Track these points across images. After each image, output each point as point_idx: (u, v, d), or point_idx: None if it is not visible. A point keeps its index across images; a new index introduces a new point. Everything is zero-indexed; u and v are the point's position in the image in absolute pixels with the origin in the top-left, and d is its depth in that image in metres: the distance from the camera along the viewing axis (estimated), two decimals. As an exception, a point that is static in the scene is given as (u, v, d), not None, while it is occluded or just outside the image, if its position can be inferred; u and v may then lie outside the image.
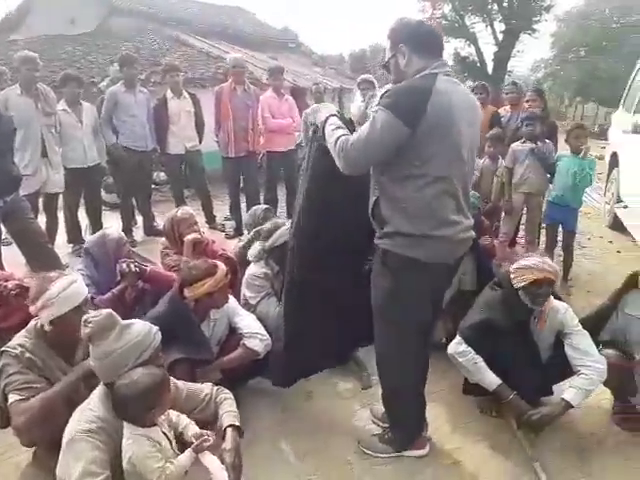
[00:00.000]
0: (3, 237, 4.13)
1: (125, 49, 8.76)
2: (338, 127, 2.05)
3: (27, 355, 2.08)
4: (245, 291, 3.13)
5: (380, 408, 2.58)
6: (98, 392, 1.85)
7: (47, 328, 2.08)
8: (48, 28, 11.98)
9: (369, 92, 5.57)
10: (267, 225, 3.25)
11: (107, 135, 5.18)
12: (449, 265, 2.15)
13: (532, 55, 41.66)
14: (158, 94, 5.85)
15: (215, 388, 2.15)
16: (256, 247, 3.21)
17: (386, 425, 2.55)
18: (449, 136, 1.93)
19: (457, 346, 2.60)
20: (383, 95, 1.97)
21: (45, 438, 2.10)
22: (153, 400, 1.74)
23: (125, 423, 1.74)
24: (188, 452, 1.78)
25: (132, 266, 2.89)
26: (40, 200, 4.71)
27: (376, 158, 1.96)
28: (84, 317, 1.84)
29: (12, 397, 2.00)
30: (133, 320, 1.93)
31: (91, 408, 1.78)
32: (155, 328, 1.90)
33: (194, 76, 8.68)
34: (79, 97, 4.94)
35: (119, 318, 1.87)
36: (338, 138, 1.97)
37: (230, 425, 1.97)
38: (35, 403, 1.99)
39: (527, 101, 4.91)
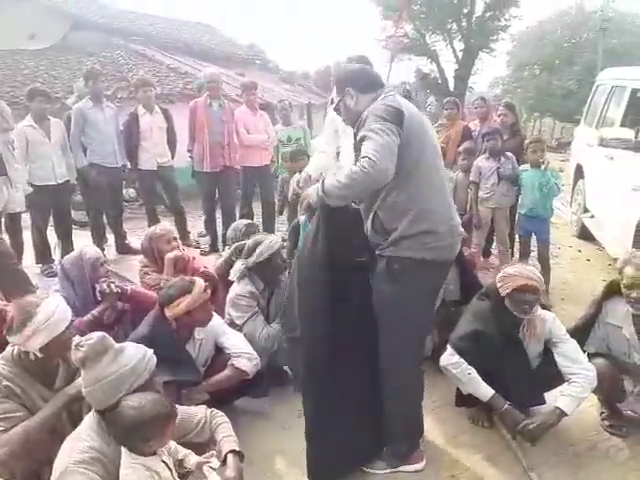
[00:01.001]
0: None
1: (90, 64, 8.59)
2: (334, 176, 2.10)
3: (4, 383, 1.94)
4: (230, 310, 3.04)
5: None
6: (89, 421, 1.74)
7: (38, 355, 1.95)
8: (6, 43, 11.64)
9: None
10: (248, 242, 3.18)
11: (77, 156, 5.03)
12: (449, 263, 2.33)
13: (490, 72, 43.05)
14: (125, 110, 5.74)
15: (209, 411, 2.06)
16: (238, 266, 3.13)
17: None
18: (426, 138, 2.19)
19: (450, 357, 2.60)
20: (358, 126, 2.11)
21: (27, 470, 1.97)
22: (159, 429, 1.65)
23: (124, 451, 1.64)
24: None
25: (112, 286, 2.78)
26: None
27: (393, 155, 1.98)
28: (76, 341, 1.74)
29: None
30: (125, 343, 1.85)
31: (84, 438, 1.67)
32: (150, 351, 1.81)
33: (162, 91, 8.58)
34: (46, 112, 4.78)
35: (112, 341, 1.78)
36: (349, 171, 1.99)
37: (231, 451, 1.89)
38: (16, 434, 1.87)
39: (499, 115, 5.03)
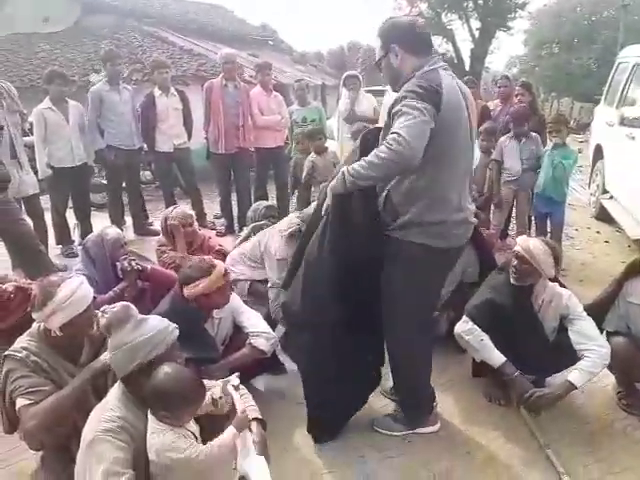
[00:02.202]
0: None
1: (104, 46, 8.60)
2: (361, 159, 2.00)
3: (32, 358, 2.01)
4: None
5: (388, 383, 2.69)
6: (115, 391, 1.79)
7: (59, 333, 2.00)
8: (21, 26, 11.68)
9: (355, 87, 5.58)
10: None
11: (94, 138, 5.07)
12: (460, 249, 2.32)
13: (507, 51, 42.35)
14: (141, 92, 5.75)
15: (229, 383, 2.10)
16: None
17: (396, 399, 2.65)
18: (460, 123, 2.08)
19: (464, 324, 2.66)
20: (396, 100, 2.01)
21: (54, 441, 2.04)
22: (183, 405, 1.69)
23: (150, 417, 1.70)
24: (230, 429, 1.75)
25: (133, 263, 2.83)
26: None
27: (424, 138, 1.90)
28: (102, 308, 1.79)
29: (20, 401, 1.93)
30: (150, 316, 1.88)
31: (111, 408, 1.73)
32: (173, 325, 1.84)
33: (177, 73, 8.55)
34: (65, 95, 4.81)
35: (136, 311, 1.83)
36: (376, 150, 1.93)
37: (255, 418, 1.94)
38: (45, 406, 1.92)
39: (516, 95, 4.96)
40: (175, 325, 1.85)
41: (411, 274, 2.18)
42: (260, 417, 1.99)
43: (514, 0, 21.90)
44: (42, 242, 4.28)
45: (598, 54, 22.75)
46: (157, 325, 1.80)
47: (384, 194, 2.18)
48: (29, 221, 4.19)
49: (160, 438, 1.64)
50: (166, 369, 1.71)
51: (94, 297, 2.43)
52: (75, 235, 5.20)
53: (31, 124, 4.92)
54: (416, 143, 1.86)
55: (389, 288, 2.26)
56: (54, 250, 4.93)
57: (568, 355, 2.51)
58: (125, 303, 1.85)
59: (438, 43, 23.76)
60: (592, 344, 2.46)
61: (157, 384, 1.67)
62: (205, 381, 2.04)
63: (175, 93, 5.45)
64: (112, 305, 1.84)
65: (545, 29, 27.10)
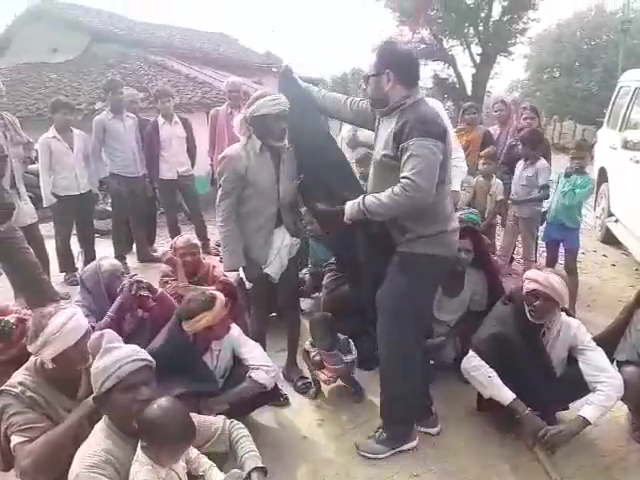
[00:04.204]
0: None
1: (110, 75, 8.74)
2: (376, 193, 2.23)
3: (28, 394, 1.97)
4: None
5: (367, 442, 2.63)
6: (100, 424, 1.78)
7: (50, 366, 1.97)
8: (31, 56, 11.94)
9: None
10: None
11: (98, 167, 5.10)
12: (452, 257, 2.50)
13: (508, 76, 42.79)
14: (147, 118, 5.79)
15: (228, 422, 2.06)
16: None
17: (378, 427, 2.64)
18: (449, 146, 2.29)
19: (470, 360, 2.59)
20: (402, 129, 2.16)
21: (52, 479, 1.98)
22: (171, 441, 1.68)
23: (139, 448, 1.68)
24: None
25: (135, 287, 2.78)
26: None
27: (436, 177, 2.15)
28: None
29: (15, 439, 1.89)
30: (121, 345, 1.85)
31: (94, 442, 1.71)
32: (130, 359, 1.78)
33: (181, 101, 8.67)
34: (69, 124, 4.86)
35: (109, 340, 1.84)
36: (392, 191, 2.14)
37: (255, 468, 1.89)
38: (40, 444, 1.88)
39: (525, 119, 4.93)
40: (133, 358, 1.80)
41: (417, 284, 2.33)
42: (260, 465, 1.92)
43: (515, 26, 22.16)
44: (44, 270, 4.27)
45: (599, 77, 22.97)
46: (115, 356, 1.77)
47: None
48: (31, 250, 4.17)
49: (134, 470, 1.64)
50: (160, 401, 1.71)
51: (92, 326, 2.41)
52: (79, 262, 5.19)
53: (37, 152, 4.95)
54: (428, 186, 2.10)
55: (390, 299, 2.38)
56: (58, 278, 4.92)
57: (578, 387, 2.44)
58: (99, 332, 1.88)
59: (440, 68, 24.09)
60: (604, 376, 2.39)
61: (145, 414, 1.68)
62: (203, 417, 2.00)
63: (178, 121, 5.49)
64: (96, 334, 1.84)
65: (546, 53, 27.44)
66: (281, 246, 2.88)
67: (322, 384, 3.07)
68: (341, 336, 3.02)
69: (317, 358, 3.00)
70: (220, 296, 2.48)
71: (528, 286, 2.49)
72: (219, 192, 2.81)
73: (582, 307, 4.23)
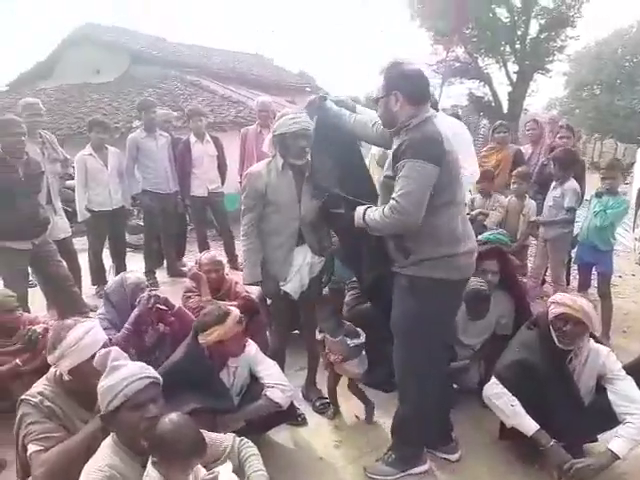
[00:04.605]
0: (30, 279, 4.14)
1: (148, 95, 9.03)
2: (375, 209, 2.26)
3: (47, 404, 2.02)
4: None
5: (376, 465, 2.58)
6: (107, 441, 1.79)
7: (66, 378, 2.02)
8: (75, 77, 12.50)
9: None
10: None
11: (131, 184, 5.25)
12: (467, 280, 2.44)
13: (546, 93, 42.17)
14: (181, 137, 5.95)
15: (238, 440, 2.04)
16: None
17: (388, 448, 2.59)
18: (456, 166, 2.24)
19: (493, 387, 2.51)
20: (400, 148, 2.17)
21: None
22: (181, 455, 1.68)
23: (149, 462, 1.69)
24: None
25: (153, 300, 2.83)
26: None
27: (424, 202, 2.11)
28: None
29: (32, 447, 1.93)
30: (127, 363, 1.85)
31: (101, 457, 1.73)
32: (137, 377, 1.77)
33: (215, 120, 8.87)
34: (104, 142, 5.03)
35: (115, 357, 1.83)
36: (382, 210, 2.17)
37: None
38: (54, 454, 1.92)
39: (561, 138, 4.81)
40: (146, 375, 1.80)
41: (425, 307, 2.25)
42: None
43: (552, 43, 21.84)
44: (76, 283, 4.39)
45: (641, 95, 22.36)
46: (122, 375, 1.77)
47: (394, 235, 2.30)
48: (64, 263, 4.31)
49: None
50: (172, 416, 1.73)
51: (110, 339, 2.45)
52: (111, 276, 5.31)
53: (74, 169, 5.14)
54: (413, 209, 2.09)
55: (403, 323, 2.34)
56: (89, 290, 5.05)
57: (607, 418, 2.33)
58: (107, 350, 1.86)
59: (475, 86, 23.89)
60: (634, 407, 2.28)
61: (158, 427, 1.69)
62: (214, 435, 2.00)
63: (210, 139, 5.61)
64: (102, 351, 1.86)
65: (585, 71, 26.90)
66: (302, 264, 2.89)
67: (339, 403, 3.03)
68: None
69: (320, 338, 2.95)
70: (235, 312, 2.48)
71: (556, 310, 2.41)
72: (242, 207, 2.88)
73: (617, 333, 4.07)
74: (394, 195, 2.11)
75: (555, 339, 2.41)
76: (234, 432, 2.13)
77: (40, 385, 2.08)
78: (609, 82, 25.51)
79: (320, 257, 2.96)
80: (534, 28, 21.38)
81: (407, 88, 2.20)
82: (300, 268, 2.89)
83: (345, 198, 2.46)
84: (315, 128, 2.63)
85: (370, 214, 2.24)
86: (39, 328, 2.93)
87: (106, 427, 1.90)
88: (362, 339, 2.83)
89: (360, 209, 2.32)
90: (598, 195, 3.98)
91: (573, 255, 4.48)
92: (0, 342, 2.91)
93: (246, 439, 2.06)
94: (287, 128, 2.66)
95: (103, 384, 1.76)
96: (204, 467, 1.85)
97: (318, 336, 2.95)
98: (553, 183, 4.29)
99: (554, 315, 2.41)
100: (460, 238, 2.26)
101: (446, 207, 2.20)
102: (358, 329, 2.87)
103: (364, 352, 2.87)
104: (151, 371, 1.85)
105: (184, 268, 5.74)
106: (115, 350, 1.85)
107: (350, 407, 3.05)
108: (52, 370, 2.12)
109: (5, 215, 3.57)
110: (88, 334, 2.05)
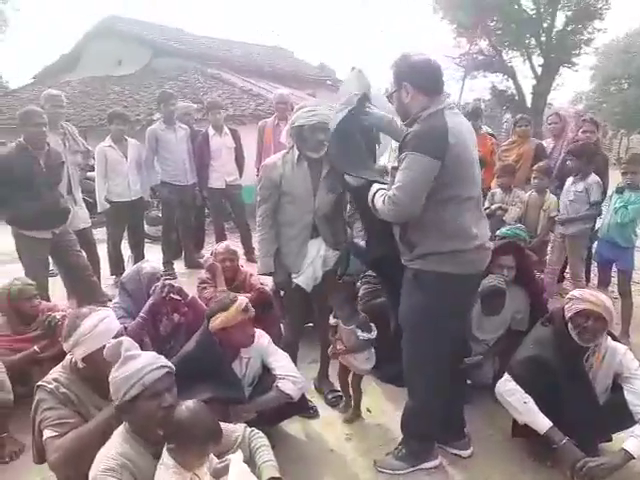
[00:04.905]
0: (51, 269, 4.23)
1: (169, 88, 9.10)
2: (383, 193, 2.26)
3: (62, 390, 2.05)
4: None
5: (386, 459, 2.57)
6: (120, 429, 1.81)
7: (80, 365, 2.05)
8: (98, 70, 12.66)
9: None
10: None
11: (151, 175, 5.31)
12: (478, 275, 2.38)
13: (572, 87, 41.30)
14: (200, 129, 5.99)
15: (249, 430, 2.06)
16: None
17: (397, 449, 2.57)
18: (468, 160, 2.19)
19: (505, 384, 2.48)
20: (405, 139, 2.18)
21: (80, 474, 2.03)
22: (199, 440, 1.71)
23: (165, 449, 1.71)
24: None
25: (167, 289, 2.86)
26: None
27: (421, 195, 2.12)
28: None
29: (47, 433, 1.97)
30: (141, 353, 1.87)
31: (113, 445, 1.75)
32: (155, 366, 1.79)
33: (235, 113, 8.89)
34: (124, 134, 5.09)
35: (128, 347, 1.83)
36: (384, 198, 2.19)
37: (271, 478, 1.88)
38: (69, 440, 1.95)
39: (584, 132, 4.70)
40: (158, 365, 1.81)
41: (432, 302, 2.22)
42: (277, 476, 1.91)
43: (579, 36, 21.35)
44: (95, 272, 4.47)
45: (672, 89, 21.75)
46: (138, 364, 1.78)
47: (399, 226, 2.30)
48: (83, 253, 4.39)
49: (159, 473, 1.66)
50: (188, 403, 1.76)
51: (125, 327, 2.48)
52: (129, 267, 5.38)
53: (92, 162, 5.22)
54: (408, 201, 2.11)
55: (411, 317, 2.33)
56: (108, 280, 5.12)
57: (623, 417, 2.28)
58: (118, 340, 1.87)
59: (499, 80, 23.53)
60: (650, 407, 2.22)
61: (176, 414, 1.72)
62: (224, 425, 2.01)
63: (228, 132, 5.63)
64: (112, 341, 1.87)
65: (613, 64, 26.29)
66: (316, 256, 2.89)
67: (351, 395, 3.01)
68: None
69: (333, 323, 2.93)
70: (240, 300, 2.48)
71: (578, 306, 2.36)
72: (257, 198, 2.90)
73: (637, 331, 3.98)
74: (393, 186, 2.15)
75: (575, 336, 2.36)
76: (245, 423, 2.15)
77: (56, 372, 2.12)
78: (638, 76, 24.85)
79: (335, 250, 2.95)
80: (560, 20, 21.00)
81: (416, 79, 2.18)
82: (313, 260, 2.89)
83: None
84: (342, 120, 2.58)
85: (377, 197, 2.27)
86: (58, 315, 2.98)
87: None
88: (373, 335, 2.80)
89: (374, 188, 2.35)
90: (619, 191, 3.89)
91: (593, 251, 4.40)
92: (19, 329, 2.97)
93: (257, 430, 2.07)
94: (305, 120, 2.67)
95: (117, 374, 1.77)
96: (216, 457, 1.87)
97: (332, 321, 2.93)
98: (571, 178, 4.21)
99: (575, 311, 2.35)
100: (469, 233, 2.20)
101: (452, 201, 2.16)
102: (371, 324, 2.86)
103: (373, 349, 2.84)
104: (165, 360, 1.87)
105: (202, 260, 5.79)
106: (127, 340, 1.86)
107: (363, 400, 3.05)
108: (68, 357, 2.15)
109: (26, 204, 3.65)
110: (102, 322, 2.08)
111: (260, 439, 2.02)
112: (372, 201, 2.31)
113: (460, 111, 2.39)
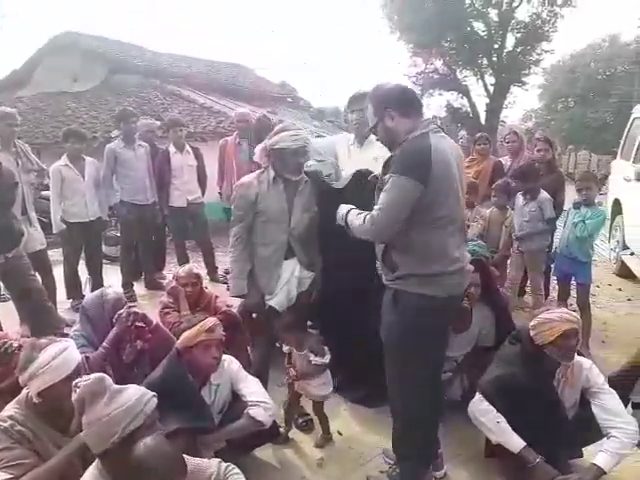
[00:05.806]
0: (1, 293, 4.00)
1: (127, 104, 8.91)
2: (359, 213, 2.28)
3: (17, 428, 1.92)
4: None
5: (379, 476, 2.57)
6: (92, 470, 1.70)
7: (35, 400, 1.93)
8: (53, 86, 12.27)
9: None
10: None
11: (109, 194, 5.15)
12: (458, 297, 2.37)
13: (522, 105, 43.00)
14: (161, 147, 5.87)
15: (224, 466, 1.98)
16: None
17: (393, 462, 2.55)
18: (451, 183, 2.17)
19: (478, 404, 2.48)
20: (388, 162, 2.20)
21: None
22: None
23: None
24: None
25: (135, 310, 2.75)
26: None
27: (402, 217, 2.11)
28: (75, 381, 1.73)
29: (1, 475, 1.84)
30: (127, 385, 1.78)
31: None
32: (150, 394, 1.74)
33: (196, 130, 8.79)
34: (80, 152, 4.92)
35: (110, 382, 1.74)
36: (364, 217, 2.19)
37: None
38: None
39: (539, 150, 4.81)
40: (152, 394, 1.74)
41: (411, 323, 2.21)
42: None
43: (528, 57, 22.30)
44: (51, 297, 4.27)
45: (614, 107, 22.90)
46: (133, 394, 1.71)
47: (382, 247, 2.27)
48: (37, 276, 4.19)
49: None
50: (148, 442, 1.61)
51: (86, 357, 2.36)
52: (86, 289, 5.18)
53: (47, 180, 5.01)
54: (387, 222, 2.11)
55: (390, 338, 2.30)
56: (64, 304, 4.91)
57: (591, 431, 2.32)
58: (99, 375, 1.76)
59: (454, 98, 24.23)
60: (619, 421, 2.28)
61: (135, 457, 1.57)
62: (198, 460, 1.93)
63: (190, 150, 5.55)
64: (85, 377, 1.75)
65: (560, 84, 27.56)
66: (290, 277, 2.89)
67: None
68: (313, 332, 2.94)
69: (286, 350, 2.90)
70: (207, 320, 2.45)
71: (561, 327, 2.34)
72: (232, 218, 2.88)
73: (596, 343, 4.10)
74: (376, 206, 2.15)
75: (559, 357, 2.37)
76: (216, 452, 2.07)
77: (11, 408, 1.98)
78: (583, 95, 26.15)
79: (310, 272, 2.95)
80: (510, 42, 21.86)
81: (397, 102, 2.19)
82: (288, 281, 2.88)
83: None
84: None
85: (352, 217, 2.28)
86: (15, 342, 2.81)
87: (87, 449, 1.80)
88: (326, 359, 2.77)
89: (344, 208, 2.36)
90: (576, 206, 4.03)
91: (552, 267, 4.52)
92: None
93: (232, 465, 1.99)
94: (288, 144, 2.69)
95: (110, 410, 1.65)
96: None
97: (284, 348, 2.90)
98: (521, 199, 4.32)
99: (561, 332, 2.33)
100: (451, 257, 2.18)
101: (435, 224, 2.14)
102: (325, 347, 2.82)
103: (329, 373, 2.82)
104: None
105: (163, 280, 5.64)
106: (107, 377, 1.76)
107: (332, 424, 2.99)
108: (24, 392, 2.02)
109: (-24, 228, 3.46)
110: (61, 355, 1.97)
111: (236, 475, 1.94)
112: (345, 219, 2.32)
113: None
